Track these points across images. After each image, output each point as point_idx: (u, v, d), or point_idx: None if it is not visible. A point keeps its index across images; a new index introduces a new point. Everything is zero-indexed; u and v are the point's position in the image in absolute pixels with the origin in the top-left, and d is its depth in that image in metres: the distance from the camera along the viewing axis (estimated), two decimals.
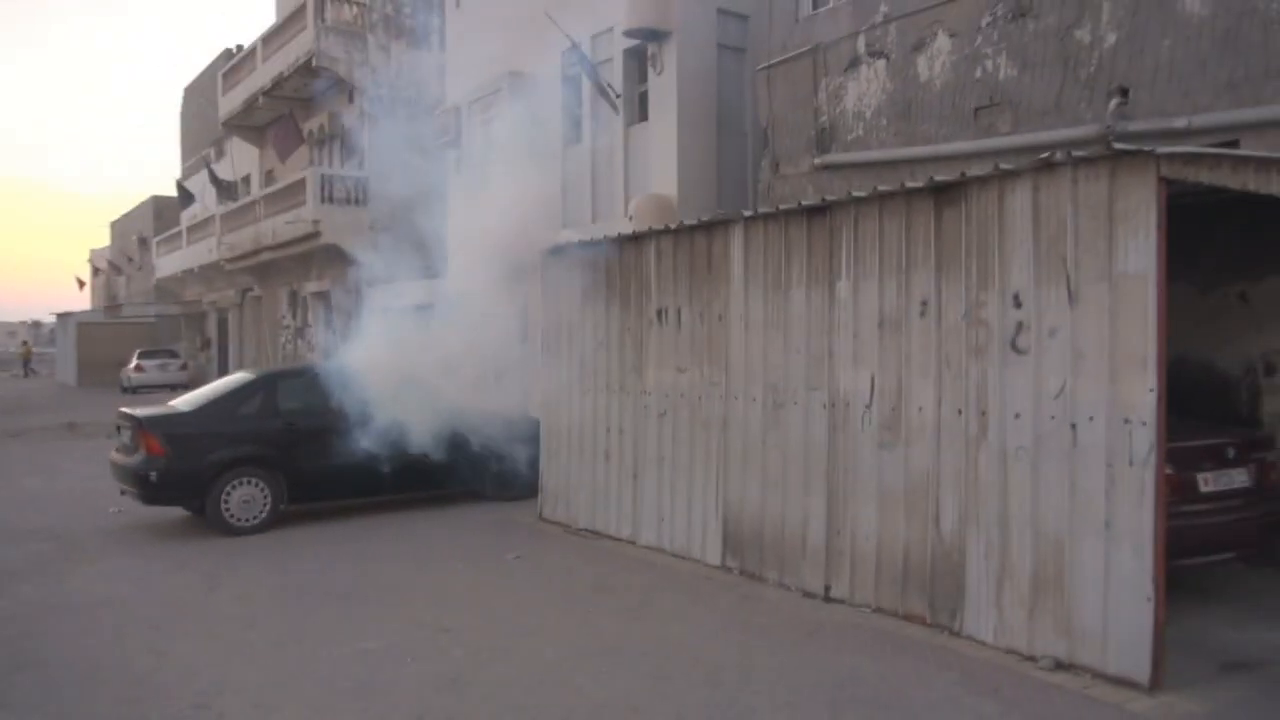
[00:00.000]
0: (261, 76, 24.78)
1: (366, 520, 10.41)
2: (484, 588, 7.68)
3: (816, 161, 11.21)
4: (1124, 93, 8.37)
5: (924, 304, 6.35)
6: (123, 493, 10.26)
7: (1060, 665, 5.47)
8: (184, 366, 33.86)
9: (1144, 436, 5.13)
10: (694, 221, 8.28)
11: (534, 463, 10.82)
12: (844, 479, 6.88)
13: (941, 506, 6.20)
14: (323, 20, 21.96)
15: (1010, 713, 4.96)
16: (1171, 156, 5.13)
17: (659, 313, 8.58)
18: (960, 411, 6.11)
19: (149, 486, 9.51)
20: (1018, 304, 5.78)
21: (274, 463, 9.88)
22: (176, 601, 7.42)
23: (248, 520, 9.74)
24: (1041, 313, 5.66)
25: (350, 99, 23.11)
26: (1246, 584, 7.10)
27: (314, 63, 22.00)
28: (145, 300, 40.39)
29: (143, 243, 42.32)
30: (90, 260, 54.03)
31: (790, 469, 7.29)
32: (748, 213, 7.79)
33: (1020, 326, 5.77)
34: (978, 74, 9.57)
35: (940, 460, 6.22)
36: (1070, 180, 5.49)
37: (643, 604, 7.11)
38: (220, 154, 31.85)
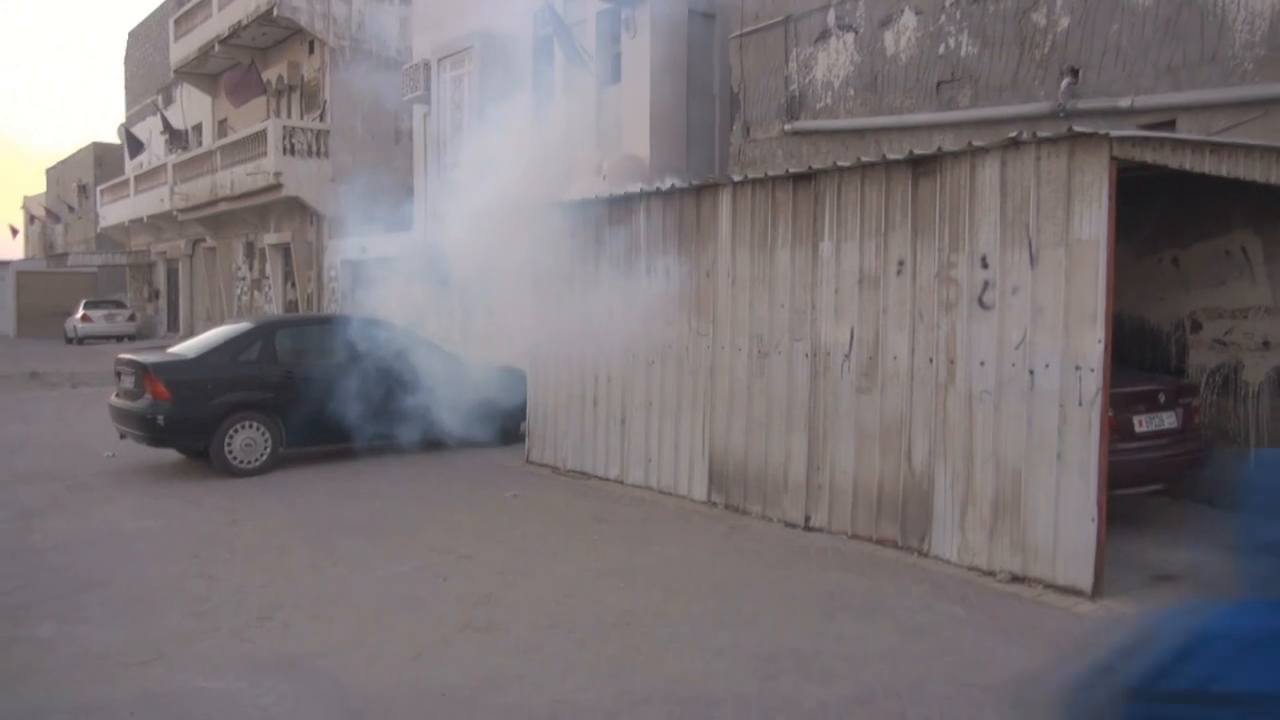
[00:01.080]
0: (218, 24, 24.62)
1: (359, 464, 10.98)
2: (490, 521, 8.36)
3: (787, 128, 11.90)
4: (1074, 73, 9.18)
5: (900, 264, 7.12)
6: (122, 436, 10.70)
7: (1016, 578, 6.36)
8: (132, 317, 33.65)
9: (1092, 381, 5.98)
10: (685, 184, 8.94)
11: (516, 410, 11.52)
12: (824, 420, 7.68)
13: (913, 443, 7.03)
14: None
15: (976, 614, 5.82)
16: (1122, 139, 5.93)
17: (648, 268, 9.25)
18: (931, 360, 6.92)
19: (156, 429, 9.98)
20: (985, 265, 6.58)
21: (274, 408, 10.39)
22: (204, 535, 7.98)
23: (249, 462, 10.27)
24: (1005, 273, 6.46)
25: (311, 49, 23.14)
26: (1171, 513, 8.08)
27: (275, 12, 21.97)
28: (87, 249, 39.80)
29: (83, 190, 41.57)
30: (24, 208, 52.75)
31: (774, 412, 8.07)
32: (737, 177, 8.47)
33: (986, 285, 6.57)
34: (941, 50, 10.32)
35: (913, 403, 7.04)
36: (1034, 157, 6.27)
37: (641, 533, 7.87)
38: (169, 101, 31.48)
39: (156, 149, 31.61)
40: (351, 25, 22.68)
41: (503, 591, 6.40)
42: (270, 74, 24.11)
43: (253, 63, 23.29)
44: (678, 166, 13.21)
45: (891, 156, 7.17)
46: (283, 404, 10.44)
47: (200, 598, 6.31)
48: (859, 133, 11.11)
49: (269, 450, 10.38)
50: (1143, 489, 7.50)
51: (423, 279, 17.60)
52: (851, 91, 11.24)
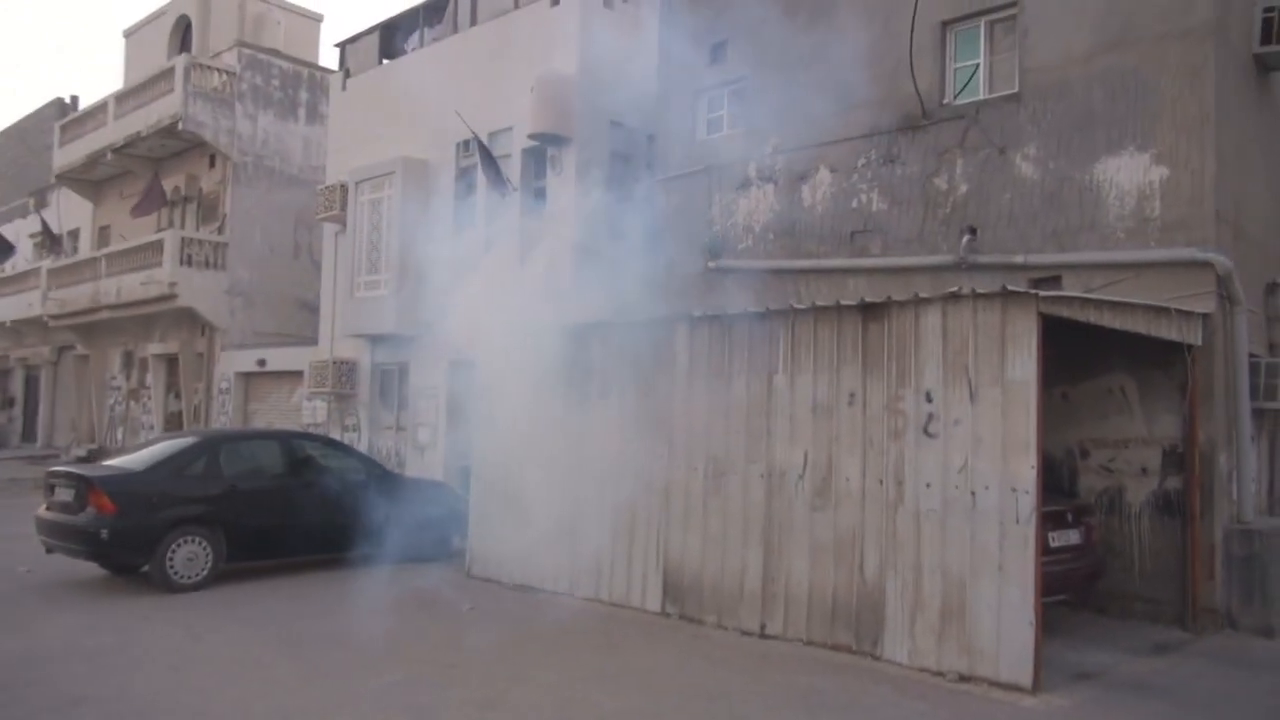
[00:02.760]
0: (112, 133, 24.44)
1: (300, 579, 11.01)
2: (457, 632, 8.65)
3: (710, 265, 12.96)
4: (973, 231, 10.55)
5: (852, 395, 8.06)
6: (50, 550, 10.48)
7: (963, 677, 7.16)
8: None
9: (1027, 502, 6.96)
10: (642, 319, 9.75)
11: (448, 526, 11.85)
12: (779, 536, 8.43)
13: (865, 557, 7.85)
14: (190, 84, 22.17)
15: (939, 710, 6.57)
16: (1048, 298, 7.10)
17: (603, 392, 9.94)
18: (881, 481, 7.81)
19: (98, 544, 9.86)
20: (929, 399, 7.57)
21: (217, 522, 10.41)
22: (171, 649, 7.97)
23: (190, 577, 10.20)
24: (948, 406, 7.46)
25: (212, 163, 23.28)
26: (1072, 620, 9.11)
27: (180, 125, 22.11)
28: None
29: None
30: None
31: (730, 528, 8.78)
32: (696, 313, 9.35)
33: (931, 416, 7.55)
34: (854, 204, 11.62)
35: (864, 520, 7.88)
36: (972, 309, 7.37)
37: (608, 642, 8.33)
38: (42, 204, 30.63)
39: (24, 251, 30.58)
40: (256, 142, 22.99)
41: (502, 697, 6.76)
42: (166, 184, 24.00)
43: (156, 175, 23.20)
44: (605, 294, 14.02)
45: (845, 302, 8.19)
46: (226, 518, 10.47)
47: (200, 711, 6.41)
48: (778, 273, 12.23)
49: (210, 565, 10.35)
50: (1053, 598, 8.49)
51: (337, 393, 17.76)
52: (771, 236, 12.41)
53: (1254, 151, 10.35)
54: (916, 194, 11.07)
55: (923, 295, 7.72)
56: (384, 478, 11.99)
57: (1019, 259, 10.10)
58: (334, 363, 18.49)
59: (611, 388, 9.85)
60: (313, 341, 20.19)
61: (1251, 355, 9.69)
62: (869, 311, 8.01)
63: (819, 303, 8.45)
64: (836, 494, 8.09)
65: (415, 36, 18.75)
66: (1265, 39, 10.22)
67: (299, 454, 11.45)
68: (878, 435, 7.87)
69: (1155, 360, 9.21)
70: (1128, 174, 9.55)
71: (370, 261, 17.69)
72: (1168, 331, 8.53)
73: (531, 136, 15.00)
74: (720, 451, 8.93)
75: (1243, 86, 10.03)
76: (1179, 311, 8.67)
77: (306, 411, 19.63)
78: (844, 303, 8.22)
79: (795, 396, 8.45)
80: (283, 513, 10.88)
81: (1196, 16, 9.32)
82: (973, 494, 7.24)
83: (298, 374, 20.25)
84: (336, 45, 20.34)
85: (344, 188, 18.46)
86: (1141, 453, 9.43)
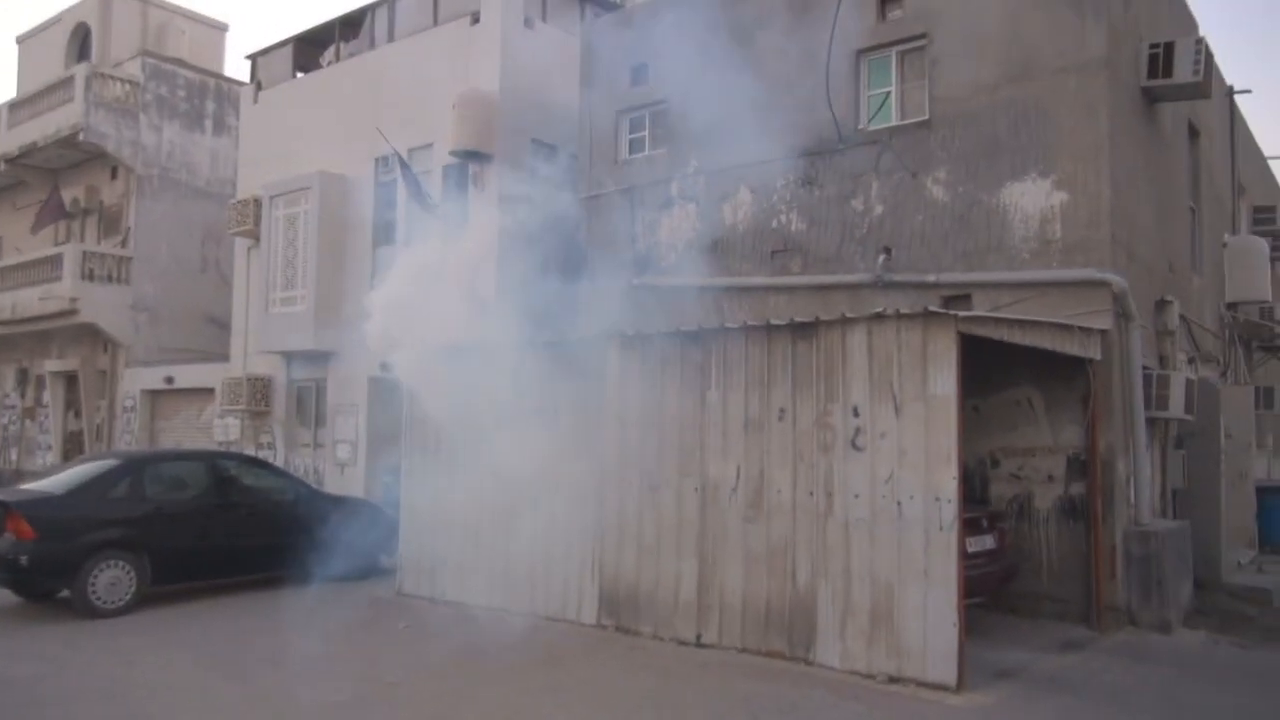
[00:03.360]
0: (6, 142, 23.54)
1: (227, 601, 10.86)
2: (395, 651, 8.69)
3: (634, 281, 13.20)
4: (888, 251, 11.04)
5: (782, 411, 8.41)
6: None
7: (892, 679, 7.54)
8: None
9: (949, 510, 7.40)
10: (574, 338, 9.96)
11: (375, 544, 11.82)
12: (713, 547, 8.72)
13: (797, 565, 8.19)
14: (92, 94, 21.53)
15: (873, 711, 6.93)
16: (965, 318, 7.56)
17: (539, 408, 10.09)
18: (812, 493, 8.17)
19: (17, 570, 9.60)
20: (856, 414, 7.96)
21: (141, 545, 10.21)
22: (108, 676, 7.81)
23: (113, 602, 9.99)
24: (874, 420, 7.86)
25: (114, 175, 22.62)
26: (987, 620, 9.61)
27: (81, 136, 21.44)
28: None
29: None
30: None
31: (664, 539, 9.03)
32: (629, 332, 9.59)
33: (859, 430, 7.94)
34: (774, 224, 12.04)
35: (796, 530, 8.22)
36: (895, 329, 7.79)
37: (549, 656, 8.49)
38: None
39: None
40: (161, 154, 22.41)
41: (454, 712, 6.87)
42: (64, 195, 23.20)
43: (56, 186, 22.42)
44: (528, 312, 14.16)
45: (775, 321, 8.54)
46: (150, 541, 10.28)
47: None
48: (701, 290, 12.53)
49: (134, 589, 10.15)
50: (970, 601, 8.95)
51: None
52: (694, 253, 12.71)
53: (1143, 178, 11.09)
54: (834, 215, 11.53)
55: (849, 315, 8.12)
56: (311, 497, 11.92)
57: (931, 278, 10.62)
58: (248, 379, 18.17)
59: (544, 405, 10.00)
60: (224, 358, 19.80)
61: (1145, 368, 10.38)
62: (798, 330, 8.37)
63: (750, 322, 8.79)
64: (769, 506, 8.42)
65: (331, 51, 18.60)
66: (1152, 73, 10.95)
67: (224, 474, 11.31)
68: (808, 449, 8.23)
69: (1059, 374, 9.81)
70: (1031, 199, 10.16)
71: (286, 277, 17.45)
72: (1071, 347, 9.12)
73: (453, 153, 15.07)
74: (654, 466, 9.19)
75: (1133, 117, 10.76)
76: (1080, 329, 9.28)
77: (218, 429, 19.22)
78: (774, 322, 8.57)
79: (728, 412, 8.76)
80: (209, 534, 10.75)
81: (1090, 52, 9.99)
82: (899, 504, 7.64)
83: (208, 391, 19.82)
84: (248, 57, 20.04)
85: (258, 202, 18.19)
86: (1047, 461, 10.02)
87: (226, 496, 11.11)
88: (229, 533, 10.86)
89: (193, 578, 10.92)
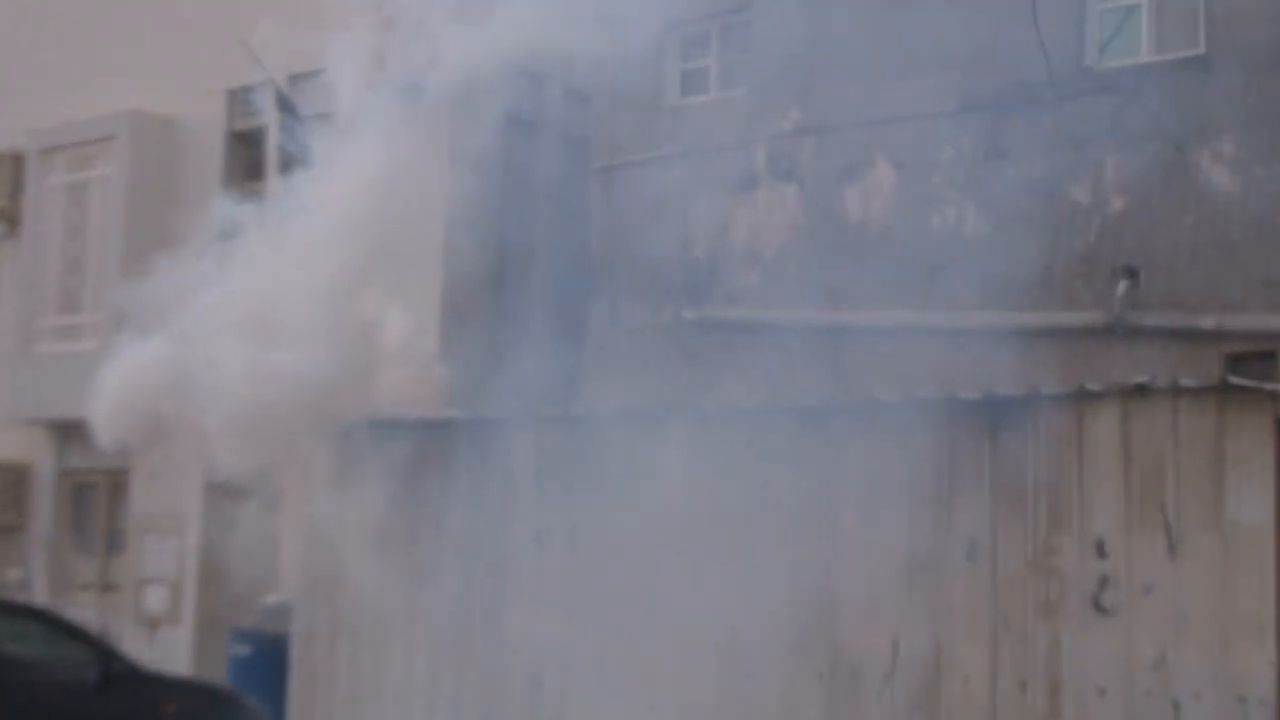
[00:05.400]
0: None
1: None
2: None
3: (686, 314, 13.77)
4: (1132, 274, 11.62)
5: (972, 546, 9.03)
6: None
7: None
8: None
9: (1264, 717, 7.99)
10: (611, 411, 10.59)
11: None
12: None
13: None
14: None
15: None
16: None
17: (552, 534, 10.71)
18: (1024, 684, 8.76)
19: None
20: (1102, 553, 8.60)
21: None
22: None
23: None
24: (1132, 565, 8.50)
25: None
26: None
27: None
28: None
29: None
30: None
31: None
32: (708, 409, 10.23)
33: (1105, 580, 8.57)
34: (934, 221, 12.66)
35: None
36: (1170, 411, 8.45)
37: None
38: None
39: None
40: None
41: None
42: None
43: None
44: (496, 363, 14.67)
45: (961, 394, 9.17)
46: None
47: None
48: (803, 331, 13.08)
49: None
50: None
51: None
52: (793, 269, 13.34)
53: None
54: (1038, 210, 12.09)
55: (1090, 387, 8.76)
56: (133, 678, 12.34)
57: (1210, 322, 11.18)
58: None
59: (572, 520, 10.58)
60: None
61: None
62: (999, 411, 9.01)
63: (916, 393, 9.41)
64: (948, 705, 9.00)
65: None
66: None
67: None
68: (1017, 610, 8.83)
69: None
70: None
71: (67, 291, 17.99)
72: None
73: (374, 87, 15.65)
74: (739, 634, 9.77)
75: None
76: None
77: None
78: (959, 394, 9.20)
79: (874, 546, 9.37)
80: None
81: None
82: (1176, 705, 8.24)
83: None
84: None
85: (17, 159, 18.70)
86: None
87: None
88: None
89: None
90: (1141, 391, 8.60)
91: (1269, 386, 8.27)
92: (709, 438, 10.18)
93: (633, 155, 14.44)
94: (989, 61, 12.31)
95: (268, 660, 14.01)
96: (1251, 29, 11.35)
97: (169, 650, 16.75)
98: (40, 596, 18.30)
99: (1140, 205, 11.76)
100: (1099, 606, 8.62)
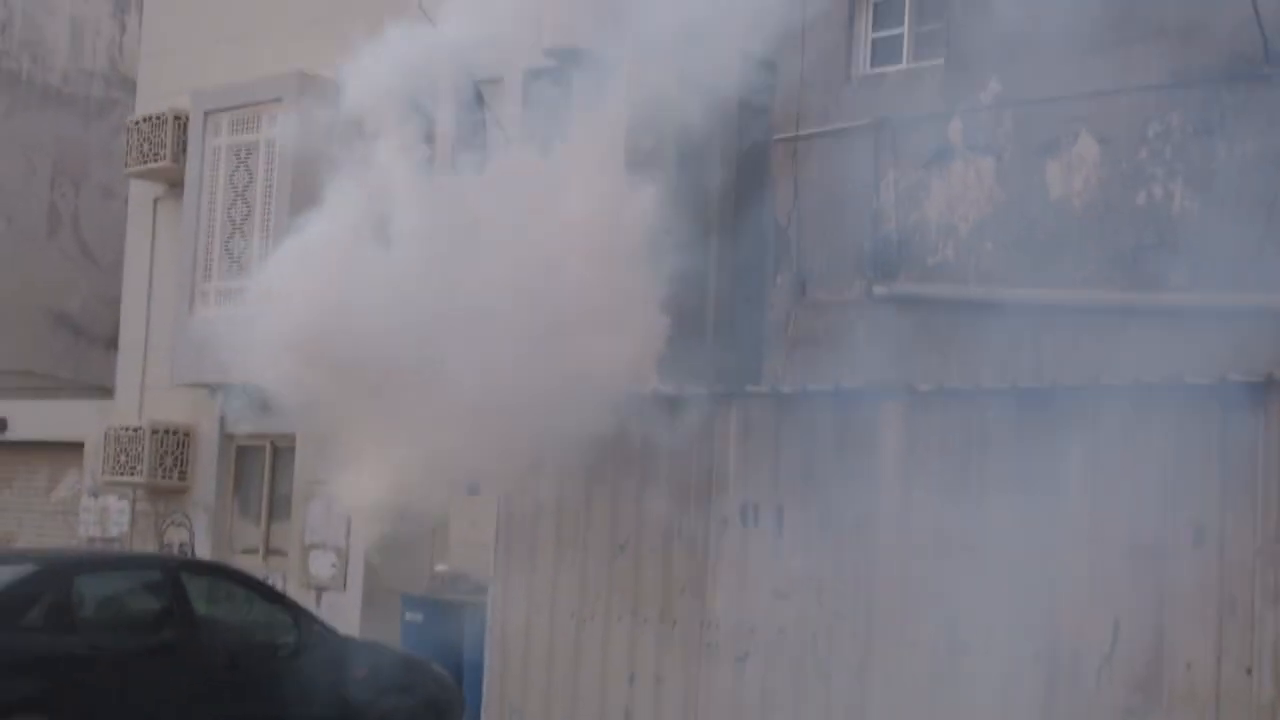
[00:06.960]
0: None
1: None
2: None
3: (876, 290, 14.08)
4: None
5: (1199, 530, 9.28)
6: None
7: None
8: None
9: None
10: (826, 388, 10.95)
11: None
12: None
13: None
14: None
15: None
16: None
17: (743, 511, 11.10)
18: (1250, 670, 9.01)
19: None
20: None
21: (66, 708, 11.21)
22: None
23: None
24: None
25: None
26: None
27: None
28: None
29: None
30: None
31: None
32: (922, 386, 10.54)
33: None
34: (1140, 199, 12.84)
35: None
36: None
37: None
38: None
39: None
40: None
41: None
42: None
43: None
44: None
45: (1191, 379, 9.41)
46: (80, 702, 11.25)
47: None
48: (998, 308, 13.31)
49: None
50: None
51: None
52: (989, 245, 13.58)
53: None
54: (1252, 186, 12.19)
55: None
56: (327, 643, 12.87)
57: None
58: (150, 431, 19.23)
59: (763, 501, 10.97)
60: (100, 392, 20.85)
61: None
62: (1234, 395, 9.25)
63: (1144, 378, 9.67)
64: (1170, 690, 9.25)
65: None
66: None
67: (194, 596, 12.36)
68: (1245, 594, 9.07)
69: None
70: None
71: (231, 253, 18.60)
72: None
73: (549, 54, 16.00)
74: (958, 615, 10.10)
75: None
76: None
77: (89, 514, 20.21)
78: (1189, 380, 9.45)
79: (1097, 527, 9.65)
80: (168, 695, 11.76)
81: None
82: None
83: (68, 449, 20.96)
84: None
85: (181, 121, 19.34)
86: None
87: (195, 634, 12.16)
88: (200, 697, 11.89)
89: None
90: None
91: None
92: (926, 416, 10.51)
93: (821, 127, 14.72)
94: (1201, 33, 12.41)
95: (440, 626, 14.59)
96: None
97: (336, 616, 17.21)
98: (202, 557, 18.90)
99: None
100: None
